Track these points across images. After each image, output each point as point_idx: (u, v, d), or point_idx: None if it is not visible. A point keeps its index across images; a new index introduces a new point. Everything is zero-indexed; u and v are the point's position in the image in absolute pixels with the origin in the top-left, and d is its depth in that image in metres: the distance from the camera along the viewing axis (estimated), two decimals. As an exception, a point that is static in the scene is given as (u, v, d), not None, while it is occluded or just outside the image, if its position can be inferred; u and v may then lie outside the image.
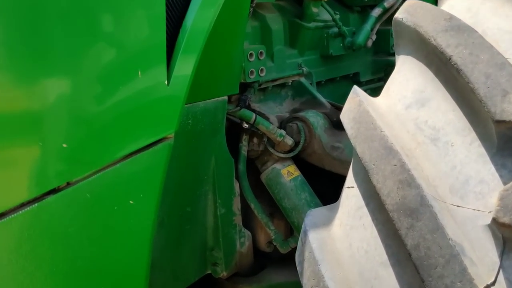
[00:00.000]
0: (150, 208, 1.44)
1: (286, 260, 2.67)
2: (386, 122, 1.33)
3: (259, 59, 2.28)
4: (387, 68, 3.37)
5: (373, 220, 1.29)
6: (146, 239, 1.45)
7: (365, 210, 1.32)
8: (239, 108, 2.25)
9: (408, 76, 1.43)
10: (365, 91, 3.27)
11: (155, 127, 1.42)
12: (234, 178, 2.36)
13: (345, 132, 2.54)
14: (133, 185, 1.40)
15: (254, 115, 2.30)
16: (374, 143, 1.25)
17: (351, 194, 1.40)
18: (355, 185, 1.40)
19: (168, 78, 1.41)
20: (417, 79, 1.39)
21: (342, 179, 2.92)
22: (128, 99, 1.34)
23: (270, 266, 2.63)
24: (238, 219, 2.39)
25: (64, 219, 1.26)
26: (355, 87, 1.49)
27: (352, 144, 1.32)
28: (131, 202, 1.37)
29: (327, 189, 2.68)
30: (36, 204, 1.19)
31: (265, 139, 2.41)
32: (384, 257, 1.23)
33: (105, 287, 1.43)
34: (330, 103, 2.63)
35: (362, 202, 1.34)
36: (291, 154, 2.42)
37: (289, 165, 2.45)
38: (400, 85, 1.44)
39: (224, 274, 2.39)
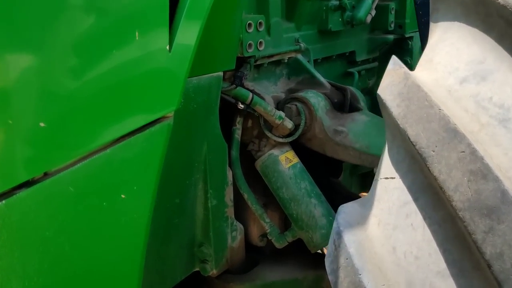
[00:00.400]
0: (145, 203, 1.18)
1: (280, 255, 2.45)
2: (438, 99, 1.10)
3: (258, 30, 2.02)
4: (383, 47, 3.16)
5: (425, 218, 1.06)
6: (139, 241, 1.18)
7: (413, 206, 1.09)
8: (234, 86, 1.99)
9: (458, 45, 1.20)
10: (360, 72, 3.07)
11: (153, 104, 1.15)
12: (227, 165, 2.10)
13: (348, 115, 2.34)
14: (125, 176, 1.12)
15: (250, 94, 2.04)
16: (432, 124, 1.01)
17: (391, 186, 1.16)
18: (396, 175, 1.16)
19: (170, 43, 1.14)
20: (472, 48, 1.15)
21: (339, 167, 2.72)
22: (122, 67, 1.06)
23: (263, 263, 2.39)
24: (230, 211, 2.14)
25: (41, 219, 0.98)
26: (394, 57, 1.25)
27: (400, 126, 1.08)
28: (122, 196, 1.11)
29: (322, 178, 2.45)
30: (4, 201, 0.91)
31: (262, 122, 2.16)
32: (442, 265, 1.00)
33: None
34: (330, 83, 2.39)
35: (408, 197, 1.10)
36: (291, 139, 2.18)
37: (287, 151, 2.20)
38: (448, 56, 1.20)
39: (214, 272, 2.14)
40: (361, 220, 1.17)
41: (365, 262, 1.07)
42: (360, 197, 3.07)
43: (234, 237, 2.20)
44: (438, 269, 1.00)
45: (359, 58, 2.99)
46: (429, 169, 0.98)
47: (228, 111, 2.14)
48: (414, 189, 1.09)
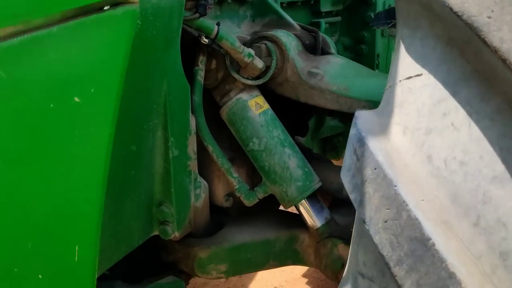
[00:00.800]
0: (106, 114, 0.90)
1: (248, 217, 2.20)
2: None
3: None
4: (346, 1, 2.96)
5: (470, 114, 0.84)
6: (99, 165, 0.90)
7: (452, 102, 0.86)
8: (198, 15, 1.71)
9: None
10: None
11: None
12: (190, 111, 1.83)
13: (322, 57, 2.11)
14: (79, 70, 0.84)
15: (216, 27, 1.77)
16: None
17: (418, 85, 0.93)
18: (423, 71, 0.93)
19: None
20: None
21: (305, 125, 2.50)
22: None
23: (230, 225, 2.13)
24: (193, 165, 1.87)
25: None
26: None
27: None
28: (76, 99, 0.82)
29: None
30: None
31: (228, 62, 1.90)
32: (499, 167, 0.79)
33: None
34: (300, 25, 2.16)
35: (444, 92, 0.88)
36: (261, 81, 1.93)
37: (257, 96, 1.96)
38: None
39: (176, 234, 1.87)
40: (381, 130, 0.94)
41: (398, 174, 0.84)
42: (327, 159, 2.88)
43: (198, 195, 1.93)
44: (494, 174, 0.79)
45: (323, 9, 2.78)
46: (484, 41, 0.76)
47: (189, 51, 1.87)
48: (451, 81, 0.87)
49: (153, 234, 1.89)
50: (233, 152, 2.05)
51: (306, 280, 3.78)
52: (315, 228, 1.96)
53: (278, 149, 1.91)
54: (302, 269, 3.95)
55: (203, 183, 1.94)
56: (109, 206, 1.64)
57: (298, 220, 2.11)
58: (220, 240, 2.01)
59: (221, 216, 2.16)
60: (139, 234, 1.82)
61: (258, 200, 1.98)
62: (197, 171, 1.90)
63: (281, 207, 2.17)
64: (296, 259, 2.10)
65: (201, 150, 1.93)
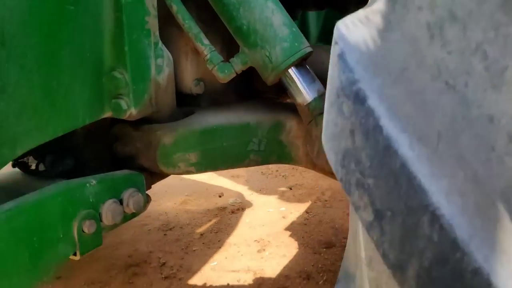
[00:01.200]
0: None
1: (225, 105, 1.83)
2: None
3: None
4: None
5: None
6: None
7: None
8: None
9: None
10: None
11: None
12: None
13: None
14: None
15: None
16: None
17: None
18: None
19: None
20: None
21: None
22: None
23: (201, 111, 1.75)
24: (153, 24, 1.48)
25: None
26: None
27: None
28: None
29: None
30: None
31: None
32: None
33: None
34: None
35: None
36: None
37: None
38: None
39: (132, 111, 1.47)
40: None
41: None
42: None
43: (160, 67, 1.54)
44: None
45: None
46: None
47: None
48: None
49: (104, 115, 1.49)
50: (203, 25, 1.67)
51: (289, 233, 3.40)
52: (305, 104, 1.58)
53: (258, 2, 1.53)
54: (285, 223, 3.59)
55: (167, 53, 1.56)
56: (38, 46, 1.25)
57: (285, 107, 1.74)
58: (189, 122, 1.62)
59: (190, 108, 1.78)
60: (84, 108, 1.42)
61: (236, 75, 1.60)
62: (158, 33, 1.51)
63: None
64: (281, 155, 1.72)
65: (163, 24, 1.55)
